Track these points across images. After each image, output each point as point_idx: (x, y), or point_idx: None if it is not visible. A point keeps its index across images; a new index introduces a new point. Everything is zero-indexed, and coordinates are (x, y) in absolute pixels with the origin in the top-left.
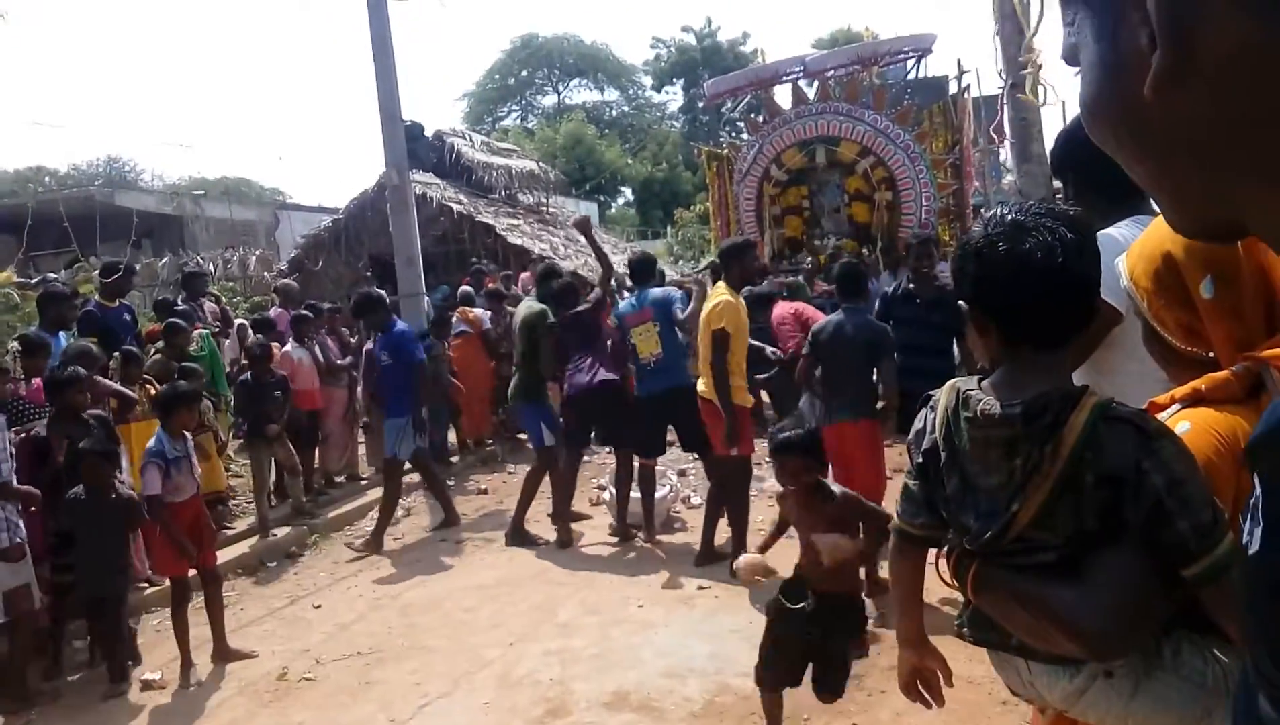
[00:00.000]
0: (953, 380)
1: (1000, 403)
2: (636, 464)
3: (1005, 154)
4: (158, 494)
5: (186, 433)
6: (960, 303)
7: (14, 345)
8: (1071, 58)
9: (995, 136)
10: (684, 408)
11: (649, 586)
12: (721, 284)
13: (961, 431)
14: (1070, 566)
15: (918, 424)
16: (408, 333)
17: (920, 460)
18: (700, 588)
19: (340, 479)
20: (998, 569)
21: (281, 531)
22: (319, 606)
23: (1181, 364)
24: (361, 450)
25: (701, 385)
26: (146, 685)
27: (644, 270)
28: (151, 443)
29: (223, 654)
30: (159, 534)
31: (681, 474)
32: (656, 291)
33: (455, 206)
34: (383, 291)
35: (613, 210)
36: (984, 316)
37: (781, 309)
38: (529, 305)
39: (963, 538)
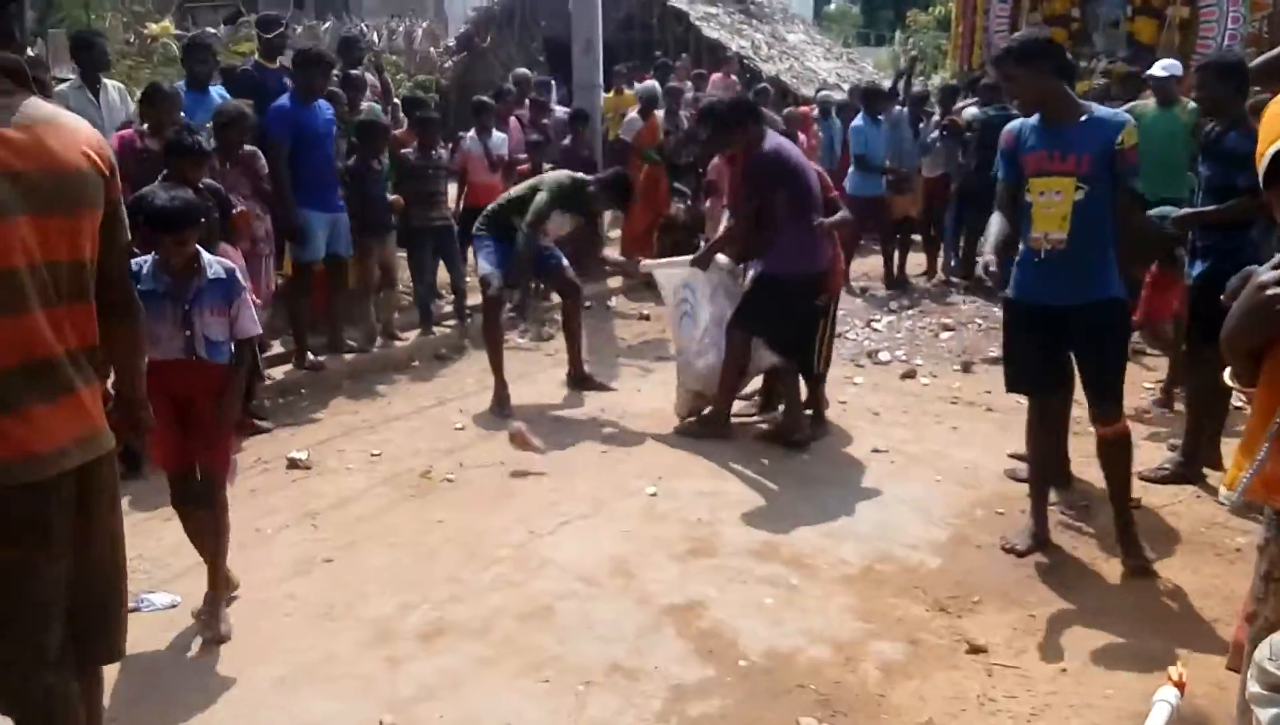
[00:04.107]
0: None
1: None
2: None
3: None
4: None
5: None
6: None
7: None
8: None
9: None
10: (1112, 337)
11: (818, 444)
12: None
13: None
14: None
15: None
16: None
17: None
18: (875, 450)
19: None
20: None
21: (421, 332)
22: (464, 411)
23: None
24: None
25: None
26: (293, 463)
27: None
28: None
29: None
30: None
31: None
32: (1104, 112)
33: None
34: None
35: (831, 6)
36: None
37: None
38: None
39: None
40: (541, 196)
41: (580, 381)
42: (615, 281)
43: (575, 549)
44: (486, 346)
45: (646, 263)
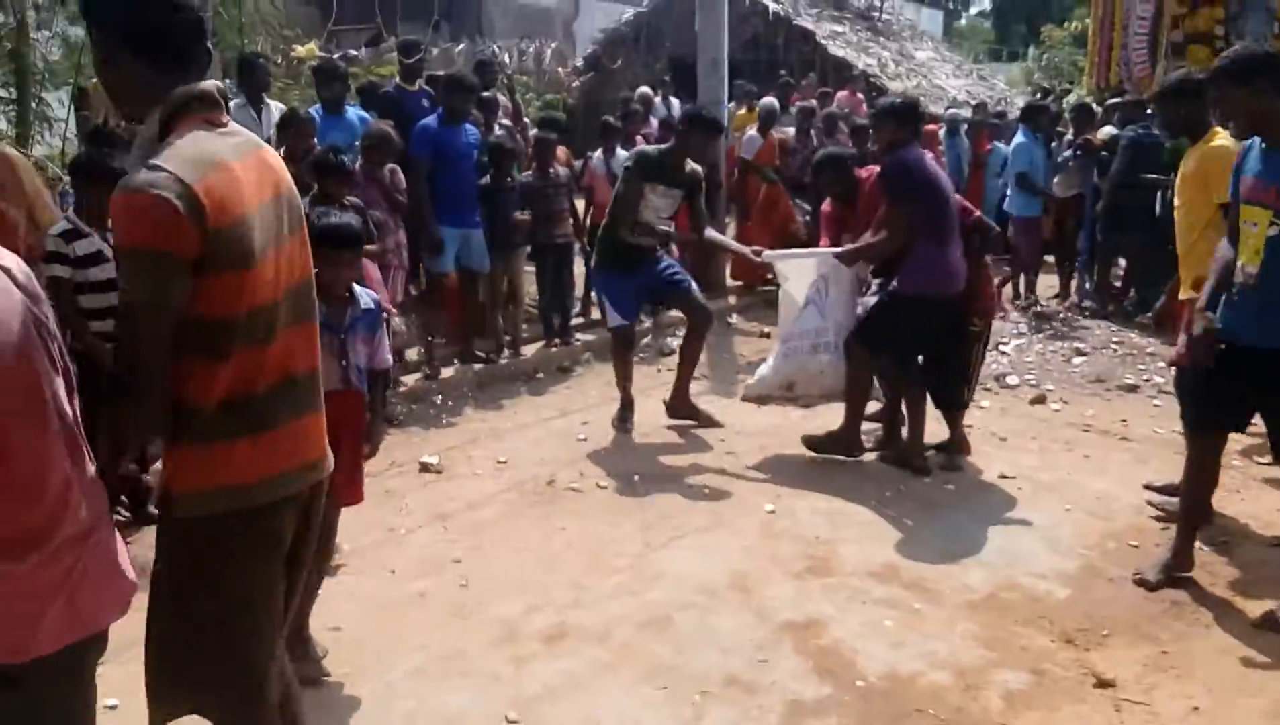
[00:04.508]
0: None
1: None
2: None
3: None
4: None
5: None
6: None
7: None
8: None
9: None
10: None
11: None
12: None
13: None
14: None
15: None
16: None
17: None
18: (1002, 476)
19: None
20: None
21: (533, 346)
22: (587, 423)
23: None
24: None
25: None
26: (424, 467)
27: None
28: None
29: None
30: None
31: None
32: None
33: (771, 5)
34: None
35: (962, 21)
36: None
37: None
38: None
39: None
40: (621, 183)
41: (677, 410)
42: (734, 299)
43: (693, 562)
44: (615, 368)
45: (770, 253)
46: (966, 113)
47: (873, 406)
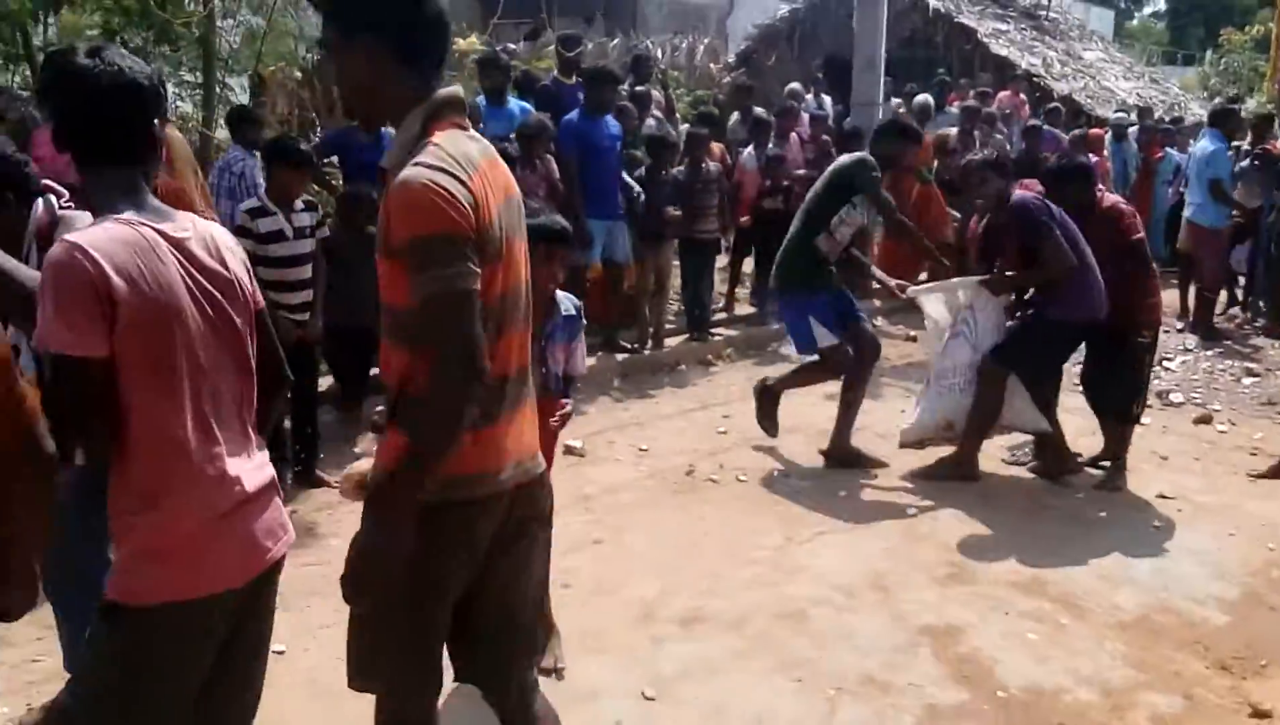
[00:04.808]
0: None
1: None
2: None
3: None
4: None
5: None
6: None
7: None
8: None
9: None
10: None
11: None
12: None
13: None
14: None
15: None
16: None
17: None
18: (1161, 496)
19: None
20: None
21: (673, 340)
22: (728, 416)
23: None
24: None
25: None
26: (569, 450)
27: None
28: None
29: None
30: None
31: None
32: None
33: (932, 2)
34: None
35: (1134, 21)
36: None
37: None
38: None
39: None
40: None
41: (837, 456)
42: (880, 301)
43: (832, 559)
44: (800, 382)
45: (914, 289)
46: (1132, 117)
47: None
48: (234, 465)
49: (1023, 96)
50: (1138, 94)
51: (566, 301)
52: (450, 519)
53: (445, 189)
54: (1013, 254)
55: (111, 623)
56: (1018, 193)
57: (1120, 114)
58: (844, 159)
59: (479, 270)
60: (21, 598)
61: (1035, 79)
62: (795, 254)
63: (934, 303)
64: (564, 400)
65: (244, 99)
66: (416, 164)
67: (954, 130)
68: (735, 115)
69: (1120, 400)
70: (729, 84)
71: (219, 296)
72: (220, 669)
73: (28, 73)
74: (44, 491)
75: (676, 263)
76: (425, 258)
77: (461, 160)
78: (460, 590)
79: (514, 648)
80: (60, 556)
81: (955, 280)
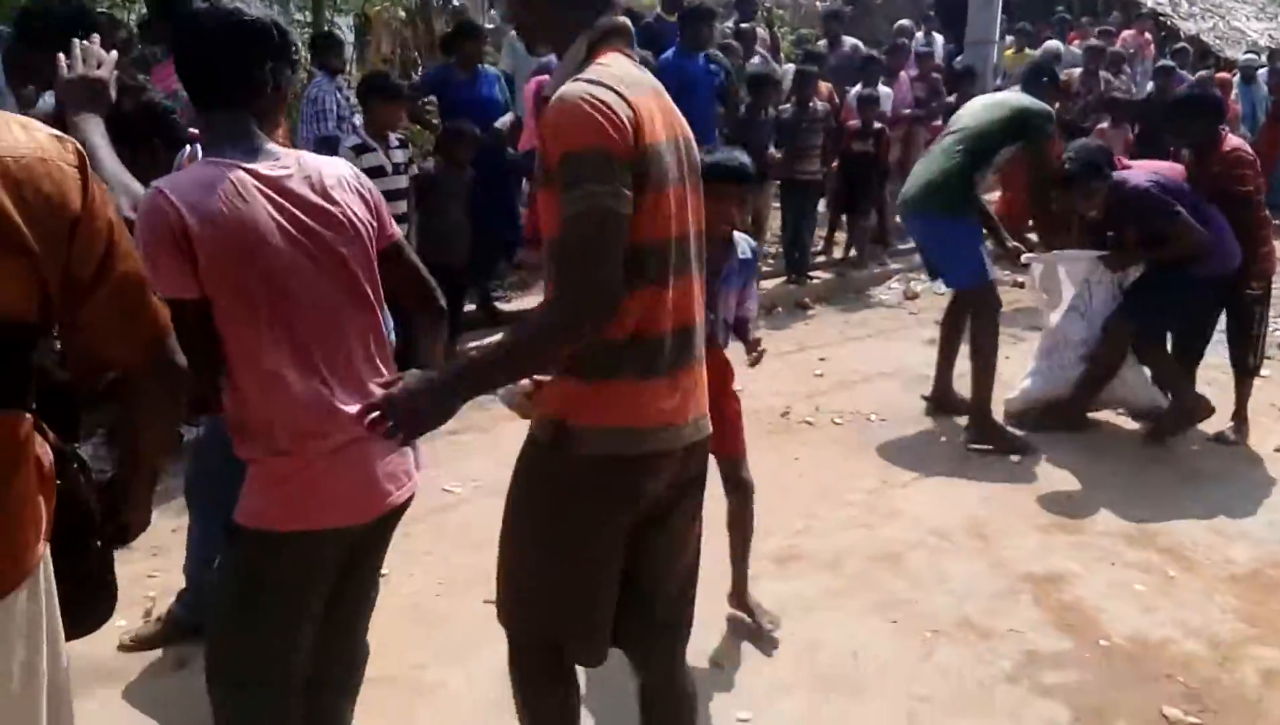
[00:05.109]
0: None
1: None
2: None
3: None
4: None
5: None
6: None
7: None
8: None
9: None
10: None
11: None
12: None
13: None
14: None
15: None
16: None
17: None
18: (1278, 449)
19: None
20: None
21: (769, 282)
22: (824, 360)
23: None
24: None
25: None
26: None
27: None
28: None
29: None
30: None
31: None
32: None
33: None
34: None
35: None
36: None
37: None
38: None
39: None
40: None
41: (938, 402)
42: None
43: (929, 503)
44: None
45: (1028, 256)
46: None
47: None
48: (344, 400)
49: (1148, 36)
50: (1269, 35)
51: (743, 243)
52: (621, 476)
53: (603, 101)
54: (1131, 237)
55: (234, 543)
56: (1129, 179)
57: (1250, 55)
58: (1027, 101)
59: (630, 193)
60: (139, 518)
61: (1162, 18)
62: (957, 181)
63: (1053, 272)
64: (757, 336)
65: (351, 38)
66: (576, 80)
67: (1077, 70)
68: (823, 43)
69: (1236, 354)
70: (822, 10)
71: (322, 231)
72: (339, 592)
73: (143, 9)
74: (170, 408)
75: (776, 205)
76: (577, 173)
77: (629, 81)
78: (621, 551)
79: (658, 618)
80: (204, 467)
81: (1080, 251)
